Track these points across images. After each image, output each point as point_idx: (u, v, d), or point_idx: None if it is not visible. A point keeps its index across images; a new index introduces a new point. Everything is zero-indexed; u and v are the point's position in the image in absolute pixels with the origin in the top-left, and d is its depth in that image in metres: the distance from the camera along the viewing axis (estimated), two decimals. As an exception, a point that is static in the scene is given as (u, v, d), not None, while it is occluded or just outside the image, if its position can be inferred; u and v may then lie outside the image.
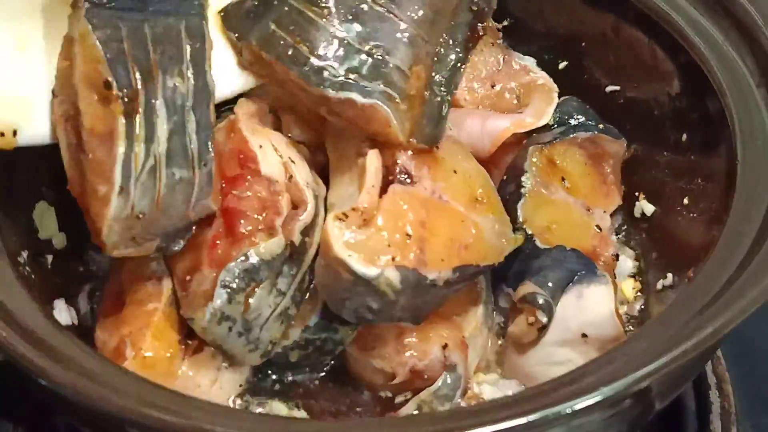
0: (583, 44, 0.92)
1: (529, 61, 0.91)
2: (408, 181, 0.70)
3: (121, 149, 0.60)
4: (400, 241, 0.66)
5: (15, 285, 0.65)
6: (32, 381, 0.55)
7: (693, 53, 0.78)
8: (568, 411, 0.50)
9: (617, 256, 0.81)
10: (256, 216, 0.67)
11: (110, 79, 0.60)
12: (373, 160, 0.70)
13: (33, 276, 0.71)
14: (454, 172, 0.73)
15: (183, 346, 0.69)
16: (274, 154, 0.72)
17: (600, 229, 0.80)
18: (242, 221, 0.67)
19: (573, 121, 0.86)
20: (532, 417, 0.49)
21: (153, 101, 0.62)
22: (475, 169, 0.76)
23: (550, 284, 0.72)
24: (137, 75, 0.61)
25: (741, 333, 0.58)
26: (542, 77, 0.90)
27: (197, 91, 0.65)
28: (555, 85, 0.89)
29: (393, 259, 0.65)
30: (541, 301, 0.71)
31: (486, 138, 0.84)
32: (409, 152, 0.71)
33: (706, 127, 0.76)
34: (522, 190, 0.78)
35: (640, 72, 0.87)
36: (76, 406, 0.56)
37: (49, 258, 0.77)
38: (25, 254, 0.72)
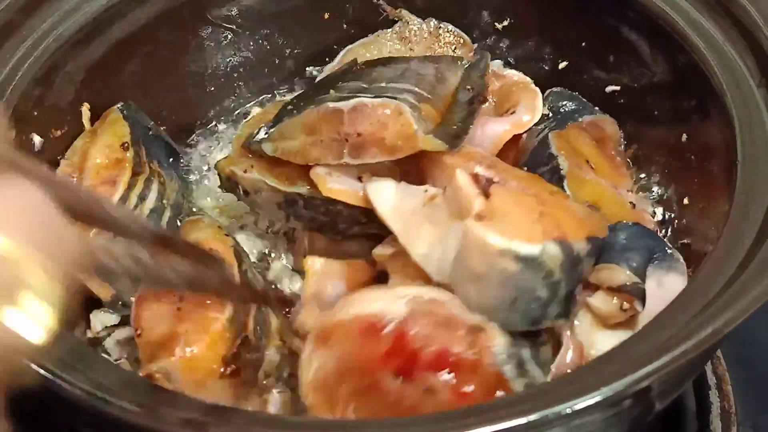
0: (583, 44, 0.92)
1: (497, 64, 0.92)
2: (498, 182, 0.70)
3: None
4: (539, 219, 0.64)
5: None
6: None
7: (693, 53, 0.78)
8: (568, 411, 0.50)
9: (656, 231, 0.80)
10: None
11: None
12: (462, 175, 0.69)
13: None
14: (521, 176, 0.74)
15: (224, 366, 0.69)
16: None
17: (634, 206, 0.80)
18: None
19: (565, 109, 0.88)
20: (532, 417, 0.49)
21: None
22: (527, 172, 0.77)
23: (634, 264, 0.70)
24: None
25: (741, 333, 0.58)
26: (514, 75, 0.91)
27: None
28: (528, 78, 0.90)
29: (544, 233, 0.63)
30: (639, 291, 0.69)
31: (487, 142, 0.84)
32: (482, 163, 0.71)
33: (706, 127, 0.76)
34: (562, 171, 0.78)
35: (640, 72, 0.87)
36: (76, 407, 0.56)
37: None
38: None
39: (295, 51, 1.00)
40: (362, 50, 0.96)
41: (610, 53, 0.90)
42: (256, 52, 0.99)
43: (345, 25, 0.98)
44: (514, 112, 0.87)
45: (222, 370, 0.69)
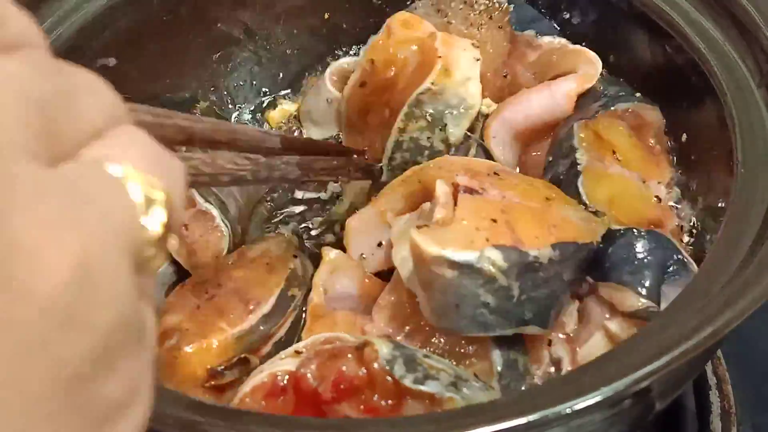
0: (583, 44, 0.92)
1: (530, 33, 0.91)
2: (477, 191, 0.70)
3: None
4: (488, 226, 0.64)
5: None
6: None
7: (693, 53, 0.78)
8: (568, 411, 0.50)
9: (682, 227, 0.79)
10: None
11: None
12: (441, 186, 0.70)
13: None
14: (516, 184, 0.73)
15: (208, 377, 0.68)
16: None
17: (659, 200, 0.78)
18: None
19: (609, 94, 0.85)
20: (532, 417, 0.49)
21: None
22: (534, 180, 0.76)
23: (647, 284, 0.68)
24: None
25: (741, 333, 0.58)
26: (550, 40, 0.89)
27: None
28: (564, 39, 0.89)
29: (487, 240, 0.63)
30: (653, 316, 0.67)
31: (561, 101, 0.83)
32: (467, 173, 0.71)
33: (707, 127, 0.76)
34: (578, 167, 0.76)
35: (640, 72, 0.87)
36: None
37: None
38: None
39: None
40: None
41: (610, 53, 0.90)
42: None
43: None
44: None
45: (204, 380, 0.68)
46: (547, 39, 0.90)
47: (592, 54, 0.86)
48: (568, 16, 0.93)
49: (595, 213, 0.73)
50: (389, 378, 0.59)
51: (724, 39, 0.77)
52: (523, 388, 0.67)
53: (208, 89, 0.97)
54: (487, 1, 0.92)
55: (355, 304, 0.76)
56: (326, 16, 0.98)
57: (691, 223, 0.78)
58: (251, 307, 0.71)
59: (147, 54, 0.90)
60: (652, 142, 0.83)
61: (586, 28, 0.92)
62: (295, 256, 0.79)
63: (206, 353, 0.68)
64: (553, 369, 0.70)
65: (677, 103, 0.82)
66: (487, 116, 0.87)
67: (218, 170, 0.60)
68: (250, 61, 0.99)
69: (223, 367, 0.68)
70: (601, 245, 0.70)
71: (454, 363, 0.66)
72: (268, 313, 0.72)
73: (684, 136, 0.82)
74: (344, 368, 0.60)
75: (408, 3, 0.93)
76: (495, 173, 0.74)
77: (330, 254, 0.77)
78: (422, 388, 0.59)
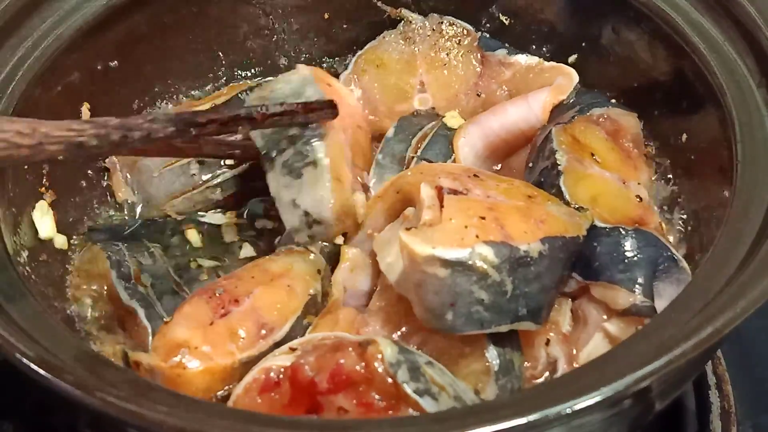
0: (583, 44, 0.92)
1: (502, 53, 0.91)
2: (462, 192, 0.70)
3: None
4: (477, 223, 0.65)
5: (15, 285, 0.65)
6: (32, 381, 0.55)
7: (693, 53, 0.78)
8: (568, 411, 0.50)
9: (664, 224, 0.79)
10: None
11: None
12: (425, 189, 0.70)
13: (33, 276, 0.71)
14: (497, 185, 0.73)
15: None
16: None
17: (641, 199, 0.78)
18: None
19: (584, 101, 0.86)
20: (532, 417, 0.49)
21: None
22: (513, 180, 0.76)
23: (640, 281, 0.69)
24: None
25: (741, 333, 0.58)
26: (523, 59, 0.91)
27: None
28: (537, 57, 0.90)
29: (477, 236, 0.64)
30: (650, 311, 0.68)
31: (537, 110, 0.86)
32: (448, 176, 0.71)
33: (706, 127, 0.77)
34: (559, 167, 0.77)
35: (640, 72, 0.87)
36: (75, 407, 0.56)
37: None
38: (25, 254, 0.72)
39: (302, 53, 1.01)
40: (371, 55, 0.95)
41: (610, 54, 0.90)
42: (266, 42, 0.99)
43: (347, 26, 0.98)
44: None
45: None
46: (520, 57, 0.91)
47: (569, 69, 0.88)
48: (547, 30, 0.94)
49: (578, 209, 0.74)
50: (390, 379, 0.59)
51: (724, 39, 0.77)
52: (520, 388, 0.67)
53: (208, 90, 0.97)
54: (456, 28, 0.94)
55: (366, 300, 0.77)
56: (326, 16, 0.98)
57: (690, 223, 0.79)
58: (263, 332, 0.69)
59: (147, 54, 0.90)
60: (630, 146, 0.84)
61: (584, 33, 0.91)
62: (319, 278, 0.76)
63: (210, 375, 0.66)
64: (548, 373, 0.70)
65: (677, 103, 0.82)
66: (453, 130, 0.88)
67: (41, 140, 0.53)
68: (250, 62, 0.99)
69: (227, 393, 0.67)
70: (584, 236, 0.70)
71: (453, 364, 0.67)
72: (280, 341, 0.69)
73: (684, 136, 0.82)
74: (343, 361, 0.60)
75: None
76: (474, 175, 0.74)
77: (349, 252, 0.77)
78: (420, 401, 0.58)
